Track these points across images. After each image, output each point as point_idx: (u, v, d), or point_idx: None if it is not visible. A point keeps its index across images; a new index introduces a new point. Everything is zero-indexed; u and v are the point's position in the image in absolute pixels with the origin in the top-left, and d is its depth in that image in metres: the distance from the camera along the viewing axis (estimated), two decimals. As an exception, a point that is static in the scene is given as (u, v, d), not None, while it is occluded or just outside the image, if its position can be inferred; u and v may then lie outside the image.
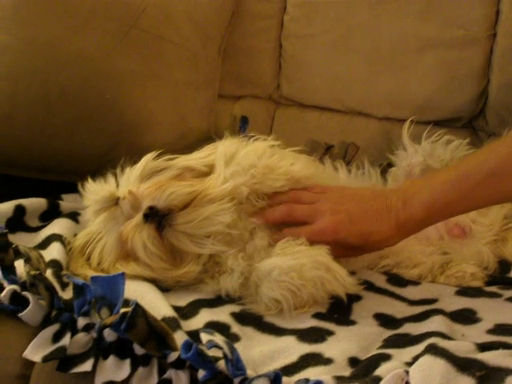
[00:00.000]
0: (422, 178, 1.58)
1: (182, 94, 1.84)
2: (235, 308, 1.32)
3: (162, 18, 1.80)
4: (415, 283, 1.51)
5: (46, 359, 1.16)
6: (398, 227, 1.38)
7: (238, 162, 1.44)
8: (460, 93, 1.93)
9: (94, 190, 1.45)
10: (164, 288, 1.36)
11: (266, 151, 1.47)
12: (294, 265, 1.30)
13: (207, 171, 1.48)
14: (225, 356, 1.07)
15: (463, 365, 1.03)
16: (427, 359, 1.04)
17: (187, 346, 1.07)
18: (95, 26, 1.72)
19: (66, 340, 1.17)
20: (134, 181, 1.43)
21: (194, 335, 1.17)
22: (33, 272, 1.22)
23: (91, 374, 1.14)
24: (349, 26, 1.97)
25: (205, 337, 1.10)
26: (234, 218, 1.39)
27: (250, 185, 1.41)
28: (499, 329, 1.27)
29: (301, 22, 2.01)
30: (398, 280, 1.50)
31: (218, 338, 1.10)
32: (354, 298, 1.37)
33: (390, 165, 1.74)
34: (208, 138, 1.87)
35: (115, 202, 1.41)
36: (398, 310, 1.37)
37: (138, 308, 1.11)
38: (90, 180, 1.47)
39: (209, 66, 1.91)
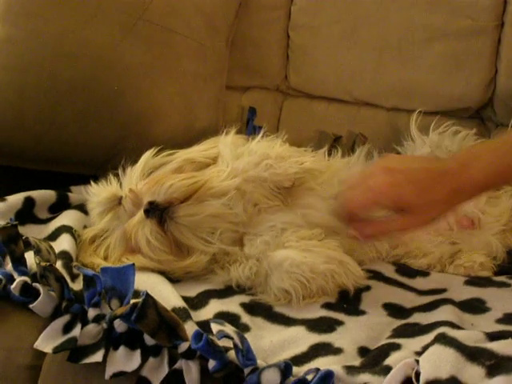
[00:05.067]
0: (481, 143, 1.57)
1: (190, 85, 1.83)
2: (245, 298, 1.33)
3: (170, 9, 1.80)
4: (424, 273, 1.51)
5: (56, 350, 1.17)
6: (453, 192, 1.26)
7: (249, 152, 1.44)
8: (468, 83, 1.92)
9: (97, 192, 1.46)
10: (174, 279, 1.37)
11: (276, 143, 1.47)
12: (307, 258, 1.30)
13: (209, 163, 1.48)
14: (235, 346, 1.07)
15: (473, 354, 1.03)
16: (437, 348, 1.05)
17: (197, 337, 1.08)
18: (103, 18, 1.72)
19: (76, 331, 1.18)
20: (135, 179, 1.44)
21: (204, 326, 1.17)
22: (43, 263, 1.22)
23: (102, 365, 1.14)
24: (356, 16, 1.96)
25: (215, 327, 1.11)
26: (239, 211, 1.39)
27: (264, 177, 1.41)
28: (508, 318, 1.27)
29: (308, 13, 2.01)
30: (406, 270, 1.50)
31: (229, 328, 1.10)
32: (363, 288, 1.38)
33: (398, 155, 1.74)
34: (215, 129, 1.88)
35: (118, 201, 1.42)
36: (407, 299, 1.37)
37: (148, 299, 1.11)
38: (92, 183, 1.48)
39: (216, 57, 1.91)
